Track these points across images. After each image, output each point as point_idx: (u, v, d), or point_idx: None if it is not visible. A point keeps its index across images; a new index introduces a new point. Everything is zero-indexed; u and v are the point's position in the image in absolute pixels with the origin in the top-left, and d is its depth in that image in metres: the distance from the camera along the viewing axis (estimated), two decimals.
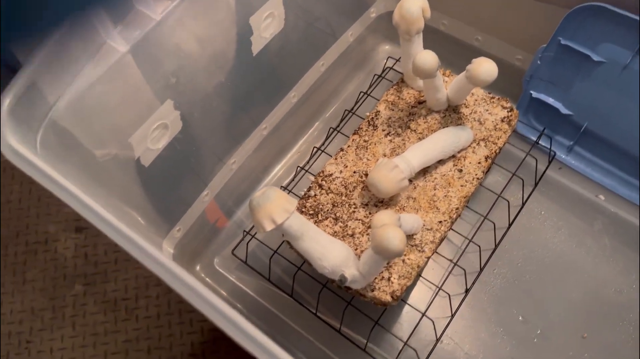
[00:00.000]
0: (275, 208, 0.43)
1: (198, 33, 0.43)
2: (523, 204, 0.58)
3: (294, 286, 0.54)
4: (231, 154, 0.57)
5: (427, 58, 0.46)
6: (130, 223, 0.46)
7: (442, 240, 0.49)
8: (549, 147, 0.60)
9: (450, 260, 0.53)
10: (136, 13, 0.38)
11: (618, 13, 0.49)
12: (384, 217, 0.43)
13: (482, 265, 0.54)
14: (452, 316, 0.53)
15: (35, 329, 0.92)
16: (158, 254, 0.30)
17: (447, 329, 0.53)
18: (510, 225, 0.56)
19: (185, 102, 0.46)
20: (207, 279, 0.57)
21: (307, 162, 0.59)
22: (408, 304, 0.53)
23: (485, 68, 0.46)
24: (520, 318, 0.54)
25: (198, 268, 0.58)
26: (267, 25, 0.49)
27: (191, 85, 0.46)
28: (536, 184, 0.59)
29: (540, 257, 0.56)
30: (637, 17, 0.48)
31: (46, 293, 0.94)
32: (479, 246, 0.53)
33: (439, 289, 0.52)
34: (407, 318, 0.54)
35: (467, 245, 0.55)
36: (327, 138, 0.60)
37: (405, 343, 0.50)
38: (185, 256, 0.56)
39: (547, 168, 0.60)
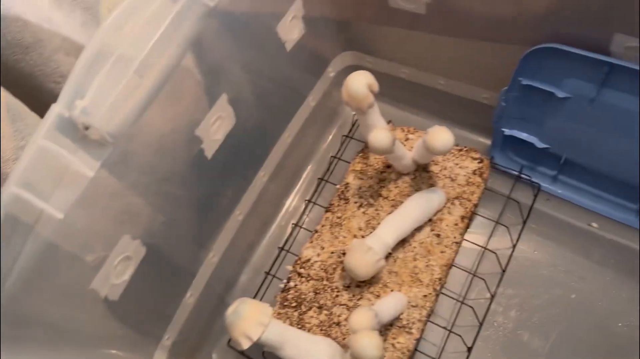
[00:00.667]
0: (249, 324, 0.42)
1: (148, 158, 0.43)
2: (514, 247, 0.56)
3: None
4: (209, 249, 0.56)
5: (380, 138, 0.45)
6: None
7: (429, 315, 0.48)
8: (531, 180, 0.58)
9: (444, 328, 0.51)
10: None
11: (575, 53, 0.46)
12: (359, 318, 0.42)
13: (481, 320, 0.53)
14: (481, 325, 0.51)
15: None
16: None
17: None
18: (503, 272, 0.55)
19: (143, 229, 0.45)
20: None
21: (287, 241, 0.58)
22: None
23: (441, 139, 0.45)
24: None
25: None
26: (216, 129, 0.48)
27: (147, 209, 0.45)
28: (525, 222, 0.57)
29: (540, 300, 0.54)
30: (595, 56, 0.46)
31: None
32: (472, 308, 0.52)
33: (462, 303, 0.50)
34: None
35: (459, 307, 0.53)
36: (303, 212, 0.59)
37: None
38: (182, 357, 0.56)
39: (533, 202, 0.58)
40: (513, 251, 0.56)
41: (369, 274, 0.47)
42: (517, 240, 0.56)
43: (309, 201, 0.59)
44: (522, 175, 0.57)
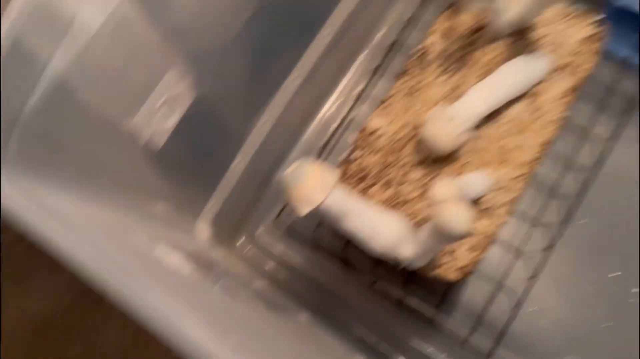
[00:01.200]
0: (311, 187, 0.36)
1: None
2: (613, 136, 0.47)
3: (346, 256, 0.48)
4: (261, 112, 0.49)
5: None
6: (152, 217, 0.40)
7: (516, 201, 0.41)
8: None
9: (530, 218, 0.44)
10: None
11: None
12: (443, 190, 0.35)
13: (564, 217, 0.46)
14: (533, 278, 0.45)
15: None
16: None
17: (528, 295, 0.45)
18: (597, 164, 0.46)
19: (194, 66, 0.38)
20: (249, 252, 0.52)
21: (347, 114, 0.51)
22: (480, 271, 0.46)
23: None
24: (613, 274, 0.45)
25: (238, 244, 0.52)
26: None
27: (201, 43, 0.38)
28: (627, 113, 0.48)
29: (636, 200, 0.47)
30: None
31: None
32: (562, 200, 0.44)
33: (515, 250, 0.44)
34: (479, 285, 0.46)
35: (547, 197, 0.46)
36: (369, 82, 0.51)
37: (480, 316, 0.44)
38: (223, 233, 0.51)
39: None
40: (614, 143, 0.47)
41: (450, 147, 0.40)
42: (620, 129, 0.47)
43: (377, 68, 0.51)
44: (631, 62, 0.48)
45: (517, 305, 0.45)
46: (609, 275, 0.45)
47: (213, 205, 0.48)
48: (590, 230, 0.46)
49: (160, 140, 0.38)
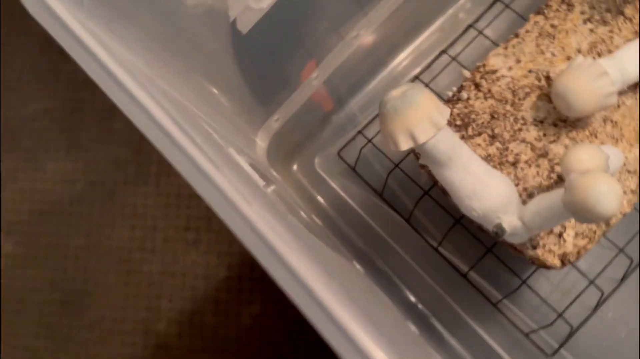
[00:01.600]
0: (420, 118, 0.29)
1: None
2: None
3: (414, 211, 0.41)
4: (353, 25, 0.42)
5: None
6: (217, 110, 0.34)
7: None
8: None
9: None
10: None
11: None
12: (585, 157, 0.28)
13: None
14: (622, 281, 0.39)
15: (120, 181, 0.89)
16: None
17: (610, 298, 0.39)
18: None
19: None
20: (304, 181, 0.46)
21: (452, 44, 0.43)
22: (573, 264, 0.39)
23: None
24: None
25: (295, 167, 0.46)
26: None
27: None
28: None
29: None
30: None
31: (132, 146, 0.89)
32: None
33: (621, 251, 0.37)
34: (563, 277, 0.40)
35: None
36: (486, 11, 0.43)
37: (560, 315, 0.38)
38: (281, 152, 0.45)
39: None
40: None
41: (592, 109, 0.32)
42: None
43: (507, 5, 0.42)
44: None
45: (598, 306, 0.39)
46: None
47: (278, 119, 0.42)
48: None
49: (249, 21, 0.30)
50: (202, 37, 0.29)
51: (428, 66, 0.44)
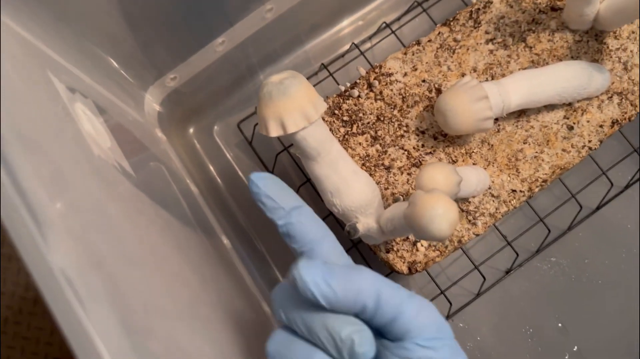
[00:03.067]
0: (292, 109, 0.29)
1: None
2: (625, 188, 0.42)
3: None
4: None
5: None
6: (92, 61, 0.32)
7: (503, 216, 0.35)
8: None
9: (505, 237, 0.39)
10: None
11: None
12: (437, 176, 0.29)
13: (540, 246, 0.41)
14: (478, 295, 0.41)
15: None
16: None
17: (465, 308, 0.41)
18: (597, 209, 0.42)
19: None
20: (198, 146, 0.45)
21: (367, 40, 0.43)
22: (427, 271, 0.41)
23: None
24: (559, 324, 0.42)
25: (192, 130, 0.45)
26: None
27: None
28: None
29: (614, 264, 0.42)
30: None
31: None
32: (548, 229, 0.39)
33: (476, 268, 0.39)
34: (420, 283, 0.42)
35: (534, 224, 0.41)
36: (404, 14, 0.43)
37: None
38: (177, 113, 0.44)
39: None
40: (621, 193, 0.42)
41: (467, 130, 0.33)
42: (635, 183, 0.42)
43: (418, 3, 0.42)
44: None
45: (450, 316, 0.41)
46: (556, 324, 0.41)
47: (175, 78, 0.41)
48: (555, 269, 0.42)
49: None
50: None
51: (341, 56, 0.44)
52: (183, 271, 0.28)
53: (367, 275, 0.22)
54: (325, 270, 0.22)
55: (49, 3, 0.28)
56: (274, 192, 0.26)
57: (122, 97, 0.34)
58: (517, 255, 0.39)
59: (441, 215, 0.26)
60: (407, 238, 0.34)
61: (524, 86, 0.34)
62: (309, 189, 0.42)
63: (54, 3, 0.28)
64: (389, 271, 0.36)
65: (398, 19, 0.44)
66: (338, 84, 0.42)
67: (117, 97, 0.33)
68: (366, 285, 0.22)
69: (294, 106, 0.29)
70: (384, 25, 0.42)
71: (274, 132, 0.30)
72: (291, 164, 0.44)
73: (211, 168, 0.45)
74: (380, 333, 0.23)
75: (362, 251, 0.39)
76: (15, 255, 0.79)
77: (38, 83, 0.22)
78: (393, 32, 0.42)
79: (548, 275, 0.42)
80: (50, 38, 0.28)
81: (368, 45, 0.44)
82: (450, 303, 0.39)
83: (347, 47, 0.44)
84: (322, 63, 0.43)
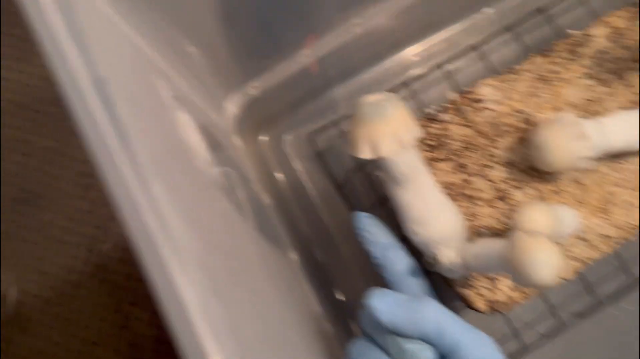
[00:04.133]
0: (386, 132, 0.28)
1: None
2: None
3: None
4: (359, 12, 0.40)
5: None
6: (185, 65, 0.32)
7: (594, 261, 0.34)
8: None
9: (582, 278, 0.37)
10: None
11: None
12: (539, 218, 0.27)
13: (619, 293, 0.39)
14: (546, 338, 0.39)
15: None
16: None
17: (533, 351, 0.39)
18: None
19: None
20: (268, 154, 0.45)
21: (451, 60, 0.42)
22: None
23: None
24: None
25: (262, 138, 0.45)
26: None
27: None
28: None
29: None
30: None
31: None
32: (631, 276, 0.37)
33: (551, 310, 0.37)
34: (487, 318, 0.40)
35: (615, 268, 0.38)
36: (491, 38, 0.42)
37: None
38: (251, 120, 0.43)
39: None
40: None
41: (562, 167, 0.32)
42: None
43: (509, 30, 0.41)
44: None
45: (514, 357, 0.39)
46: None
47: (257, 87, 0.40)
48: (632, 318, 0.40)
49: None
50: None
51: (421, 76, 0.43)
52: (265, 285, 0.27)
53: (431, 308, 0.25)
54: (392, 301, 0.26)
55: (152, 3, 0.28)
56: (373, 229, 0.31)
57: (207, 100, 0.34)
58: (594, 299, 0.37)
59: (545, 262, 0.24)
60: (489, 275, 0.33)
61: (625, 128, 0.32)
62: (377, 210, 0.40)
63: (158, 3, 0.28)
64: (465, 306, 0.34)
65: (484, 42, 0.42)
66: (420, 108, 0.41)
67: (204, 99, 0.33)
68: (428, 317, 0.25)
69: (389, 129, 0.28)
70: (470, 48, 0.41)
71: (365, 153, 0.29)
72: (361, 183, 0.43)
73: (278, 176, 0.44)
74: None
75: (435, 280, 0.38)
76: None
77: (148, 91, 0.22)
78: (482, 55, 0.40)
79: (624, 325, 0.40)
80: (153, 39, 0.27)
81: (450, 67, 0.43)
82: (519, 344, 0.37)
83: (427, 67, 0.43)
84: (404, 82, 0.42)
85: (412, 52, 0.45)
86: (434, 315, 0.25)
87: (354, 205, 0.42)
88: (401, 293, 0.28)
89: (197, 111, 0.33)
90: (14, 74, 0.89)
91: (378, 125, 0.28)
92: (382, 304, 0.25)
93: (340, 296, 0.42)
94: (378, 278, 0.41)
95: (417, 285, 0.30)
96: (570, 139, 0.31)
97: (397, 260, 0.30)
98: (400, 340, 0.25)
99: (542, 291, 0.34)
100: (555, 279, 0.25)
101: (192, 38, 0.31)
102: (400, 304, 0.25)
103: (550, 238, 0.26)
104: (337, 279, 0.43)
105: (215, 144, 0.33)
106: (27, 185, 0.87)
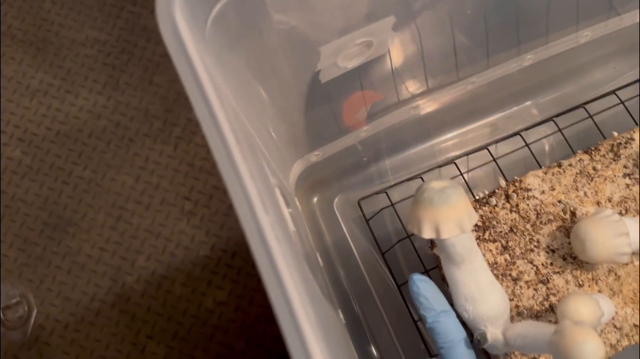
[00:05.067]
0: (449, 217, 0.31)
1: None
2: None
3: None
4: (417, 95, 0.44)
5: None
6: (270, 134, 0.36)
7: (624, 349, 0.36)
8: None
9: None
10: None
11: None
12: (584, 310, 0.30)
13: None
14: None
15: (141, 132, 0.91)
16: None
17: None
18: None
19: (407, 19, 0.33)
20: (317, 213, 0.48)
21: (496, 143, 0.45)
22: None
23: None
24: None
25: (315, 199, 0.48)
26: None
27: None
28: None
29: None
30: None
31: (165, 103, 0.91)
32: None
33: None
34: None
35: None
36: (534, 126, 0.45)
37: None
38: (308, 183, 0.47)
39: None
40: None
41: (602, 260, 0.35)
42: None
43: (559, 129, 0.44)
44: None
45: None
46: None
47: (319, 155, 0.44)
48: None
49: (330, 74, 0.33)
50: (287, 76, 0.32)
51: (467, 154, 0.46)
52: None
53: None
54: None
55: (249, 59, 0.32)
56: (429, 294, 0.33)
57: (277, 164, 0.37)
58: None
59: (591, 352, 0.27)
60: (528, 354, 0.35)
61: None
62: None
63: (252, 60, 0.32)
64: None
65: (527, 128, 0.46)
66: (468, 186, 0.44)
67: (274, 162, 0.36)
68: None
69: (452, 215, 0.31)
70: (519, 136, 0.45)
71: (427, 234, 0.32)
72: (405, 250, 0.46)
73: (327, 236, 0.47)
74: None
75: (479, 356, 0.40)
76: (88, 265, 0.83)
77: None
78: (527, 144, 0.44)
79: None
80: (250, 116, 0.31)
81: (496, 151, 0.46)
82: None
83: (474, 147, 0.46)
84: (454, 162, 0.45)
85: (458, 133, 0.49)
86: None
87: (393, 271, 0.45)
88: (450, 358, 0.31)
89: (275, 175, 0.36)
90: (61, 105, 0.94)
91: (442, 210, 0.31)
92: None
93: (374, 351, 0.45)
94: (415, 345, 0.43)
95: (467, 354, 0.32)
96: (612, 235, 0.34)
97: (451, 327, 0.32)
98: None
99: None
100: None
101: (281, 113, 0.35)
102: None
103: (595, 325, 0.29)
104: (375, 340, 0.45)
105: (287, 203, 0.37)
106: (59, 211, 0.91)
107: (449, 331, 0.32)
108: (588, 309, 0.30)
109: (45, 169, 0.91)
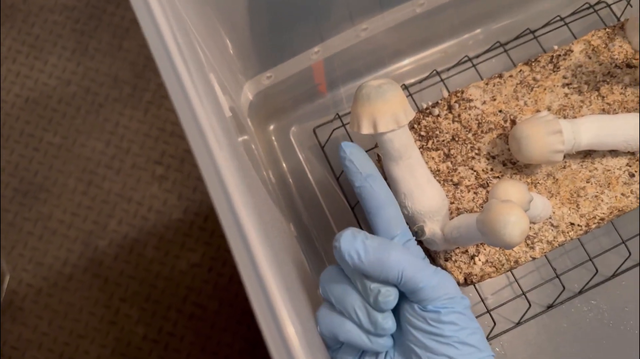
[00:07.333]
0: (385, 111, 0.32)
1: None
2: None
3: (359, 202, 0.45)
4: (366, 18, 0.45)
5: None
6: (220, 49, 0.37)
7: (560, 246, 0.38)
8: None
9: (554, 270, 0.41)
10: None
11: None
12: (511, 190, 0.31)
13: (583, 288, 0.43)
14: (518, 324, 0.43)
15: (111, 97, 0.91)
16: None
17: (504, 335, 0.43)
18: None
19: None
20: (275, 143, 0.49)
21: (448, 70, 0.47)
22: (476, 289, 0.43)
23: None
24: None
25: (271, 128, 0.49)
26: None
27: None
28: None
29: None
30: None
31: (135, 69, 0.91)
32: (596, 269, 0.41)
33: (523, 294, 0.41)
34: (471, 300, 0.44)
35: (582, 262, 0.42)
36: (486, 51, 0.47)
37: None
38: (263, 111, 0.47)
39: None
40: None
41: (537, 159, 0.36)
42: None
43: (501, 45, 0.46)
44: None
45: (490, 338, 0.42)
46: None
47: (270, 77, 0.45)
48: (594, 312, 0.43)
49: None
50: None
51: (420, 81, 0.47)
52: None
53: (395, 254, 0.27)
54: (360, 244, 0.27)
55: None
56: (357, 159, 0.32)
57: (230, 83, 0.38)
58: (564, 288, 0.41)
59: (514, 222, 0.28)
60: (466, 250, 0.37)
61: (595, 128, 0.37)
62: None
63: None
64: None
65: (478, 55, 0.47)
66: (416, 105, 0.45)
67: (227, 81, 0.37)
68: (392, 262, 0.27)
69: (388, 109, 0.32)
70: (466, 58, 0.46)
71: (366, 129, 0.33)
72: None
73: (283, 164, 0.48)
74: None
75: None
76: (60, 229, 0.83)
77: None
78: (474, 65, 0.45)
79: (587, 317, 0.44)
80: (200, 31, 0.32)
81: (447, 74, 0.47)
82: (495, 323, 0.41)
83: (426, 74, 0.48)
84: (404, 84, 0.46)
85: (411, 60, 0.50)
86: (397, 261, 0.27)
87: (347, 194, 0.46)
88: (377, 224, 0.30)
89: (228, 95, 0.37)
90: (30, 71, 0.94)
91: (379, 105, 0.32)
92: (348, 247, 0.27)
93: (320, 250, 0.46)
94: None
95: (393, 216, 0.31)
96: (546, 133, 0.35)
97: (376, 190, 0.31)
98: (365, 279, 0.28)
99: (512, 268, 0.37)
100: (521, 240, 0.28)
101: (227, 28, 0.35)
102: (367, 250, 0.27)
103: (524, 208, 0.30)
104: (320, 239, 0.47)
105: (239, 126, 0.37)
106: (30, 178, 0.91)
107: (376, 196, 0.30)
108: (516, 190, 0.31)
109: (15, 136, 0.90)
